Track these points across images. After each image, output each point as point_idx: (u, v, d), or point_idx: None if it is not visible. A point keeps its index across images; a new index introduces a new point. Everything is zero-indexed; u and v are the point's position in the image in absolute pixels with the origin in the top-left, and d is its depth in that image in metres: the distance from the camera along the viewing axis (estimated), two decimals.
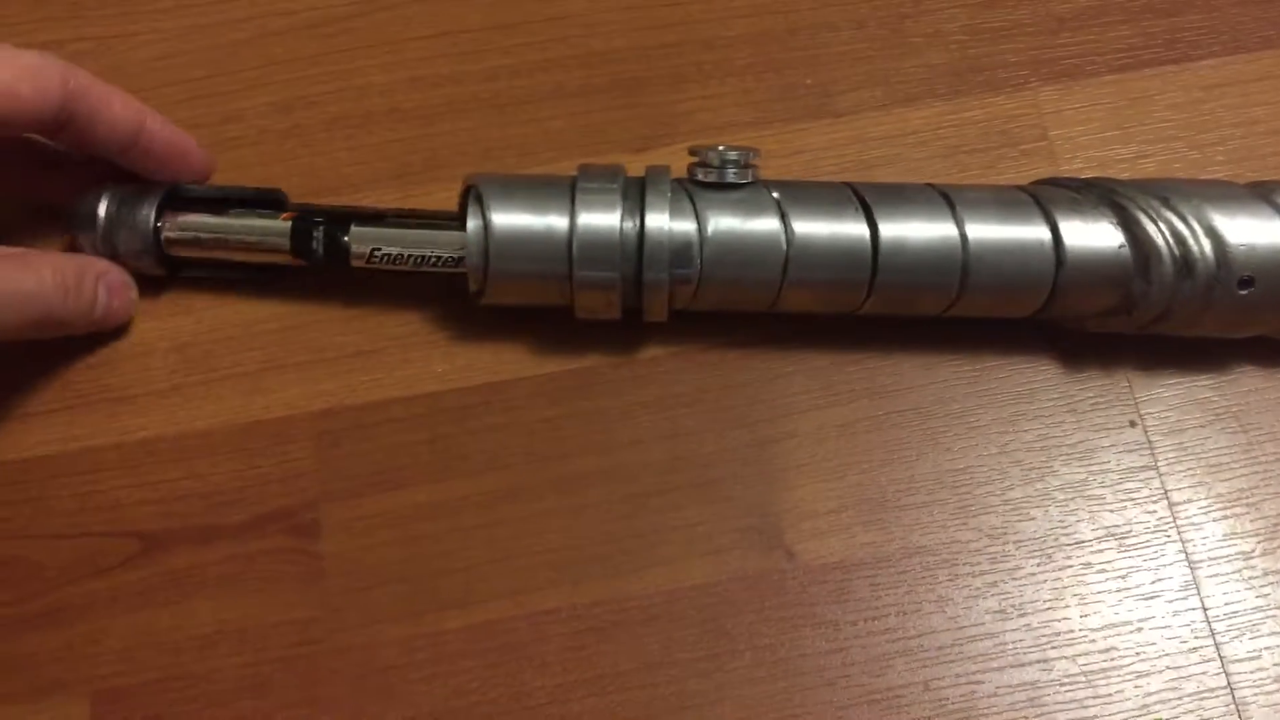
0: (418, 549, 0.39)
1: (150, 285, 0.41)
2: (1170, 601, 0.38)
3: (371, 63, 0.44)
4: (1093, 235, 0.37)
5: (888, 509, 0.39)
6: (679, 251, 0.37)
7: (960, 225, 0.37)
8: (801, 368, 0.41)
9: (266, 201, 0.40)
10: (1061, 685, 0.37)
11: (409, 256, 0.38)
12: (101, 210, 0.39)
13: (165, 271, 0.40)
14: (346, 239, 0.38)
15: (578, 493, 0.39)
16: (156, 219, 0.39)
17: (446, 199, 0.42)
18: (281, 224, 0.39)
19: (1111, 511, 0.39)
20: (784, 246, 0.37)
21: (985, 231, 0.38)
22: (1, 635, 0.37)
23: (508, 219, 0.37)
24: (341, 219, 0.39)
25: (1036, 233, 0.38)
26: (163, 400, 0.40)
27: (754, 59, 0.45)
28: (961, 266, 0.38)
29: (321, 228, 0.38)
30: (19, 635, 0.37)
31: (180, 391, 0.40)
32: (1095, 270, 0.38)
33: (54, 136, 0.37)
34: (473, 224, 0.38)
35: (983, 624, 0.38)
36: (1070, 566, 0.39)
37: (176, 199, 0.40)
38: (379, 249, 0.38)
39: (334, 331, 0.41)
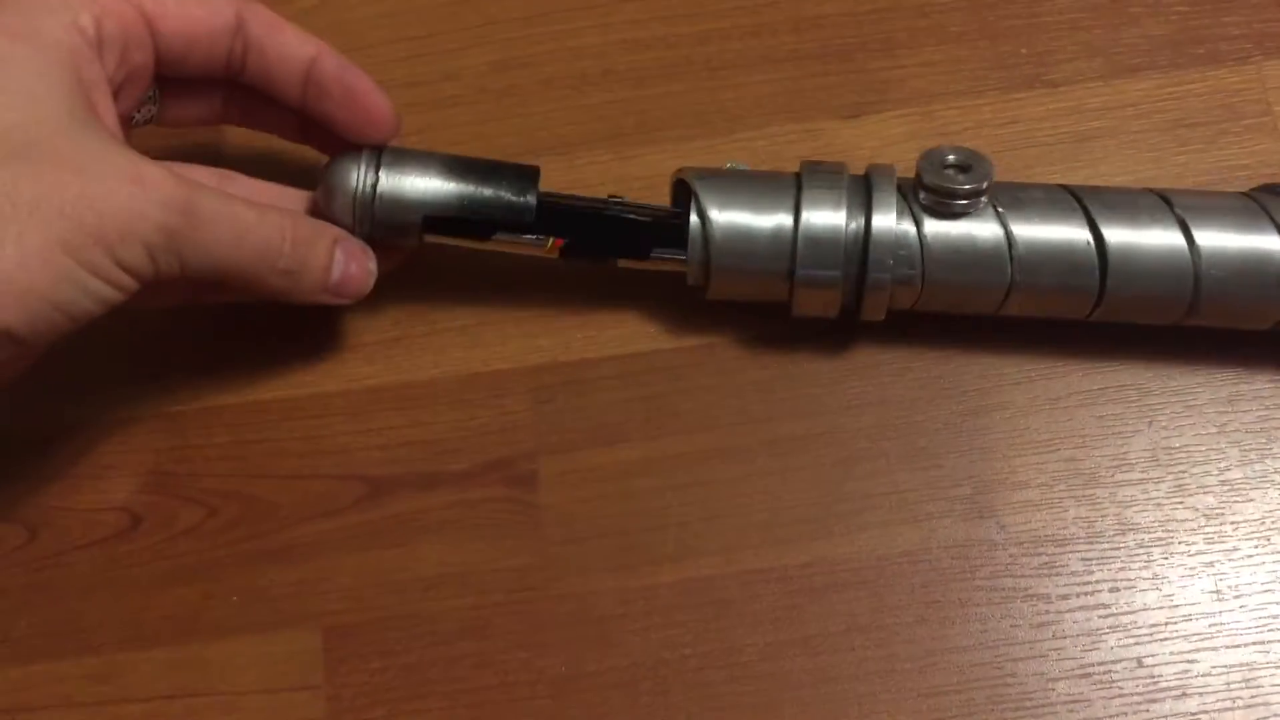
0: (631, 504, 0.39)
1: None
2: None
3: (587, 24, 0.45)
4: None
5: (1100, 484, 0.39)
6: (903, 254, 0.37)
7: (1192, 243, 0.37)
8: (1013, 339, 0.41)
9: (521, 181, 0.38)
10: (1279, 668, 0.37)
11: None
12: (366, 192, 0.37)
13: None
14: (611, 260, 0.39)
15: (787, 455, 0.40)
16: (422, 232, 0.38)
17: (657, 162, 0.43)
18: (550, 252, 0.38)
19: None
20: (1009, 263, 0.37)
21: (1219, 246, 0.37)
22: (242, 568, 0.39)
23: (729, 217, 0.38)
24: (606, 249, 0.39)
25: (1272, 249, 0.37)
26: (387, 350, 0.41)
27: (968, 26, 0.44)
28: (1192, 287, 0.37)
29: (590, 260, 0.39)
30: (258, 569, 0.39)
31: (403, 343, 0.41)
32: None
33: (235, 71, 0.37)
34: (693, 222, 0.38)
35: (1198, 604, 0.38)
36: None
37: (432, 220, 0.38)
38: (648, 270, 0.39)
39: (548, 289, 0.42)
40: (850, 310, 0.39)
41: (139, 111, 0.38)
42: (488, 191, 0.38)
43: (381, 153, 0.38)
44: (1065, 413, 0.40)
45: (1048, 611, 0.38)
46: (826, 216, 0.37)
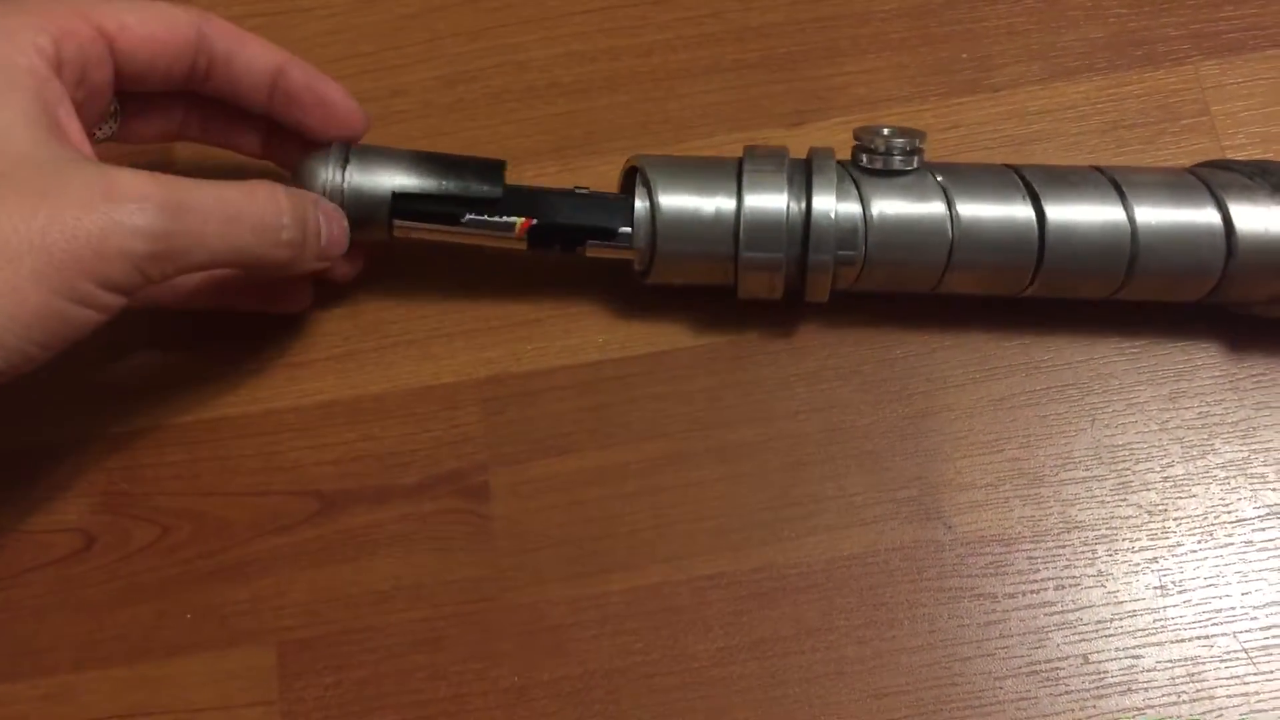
0: (582, 513, 0.40)
1: None
2: None
3: (532, 37, 0.45)
4: (1265, 225, 0.37)
5: (1045, 484, 0.40)
6: (844, 234, 0.38)
7: (1129, 211, 0.37)
8: (957, 342, 0.41)
9: (488, 171, 0.39)
10: (1222, 661, 0.37)
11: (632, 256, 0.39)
12: (335, 183, 0.38)
13: None
14: (580, 249, 0.39)
15: (737, 461, 0.40)
16: (390, 218, 0.38)
17: (605, 172, 0.43)
18: (519, 238, 0.39)
19: (1274, 490, 0.39)
20: (950, 231, 0.38)
21: (1155, 217, 0.37)
22: (195, 586, 0.39)
23: (675, 200, 0.38)
24: (575, 232, 0.39)
25: (1208, 220, 0.37)
26: (338, 365, 0.42)
27: (909, 33, 0.45)
28: (1129, 253, 0.37)
29: (558, 247, 0.39)
30: (210, 586, 0.39)
31: (354, 357, 0.42)
32: (1267, 260, 0.37)
33: (197, 84, 0.38)
34: (640, 205, 0.38)
35: (1142, 599, 0.38)
36: (1232, 544, 0.39)
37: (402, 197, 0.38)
38: (615, 258, 0.39)
39: (497, 301, 0.42)
40: (794, 291, 0.40)
41: (99, 129, 0.37)
42: (455, 177, 0.39)
43: (350, 148, 0.39)
44: (1009, 413, 0.40)
45: (994, 610, 0.38)
46: (768, 199, 0.38)
